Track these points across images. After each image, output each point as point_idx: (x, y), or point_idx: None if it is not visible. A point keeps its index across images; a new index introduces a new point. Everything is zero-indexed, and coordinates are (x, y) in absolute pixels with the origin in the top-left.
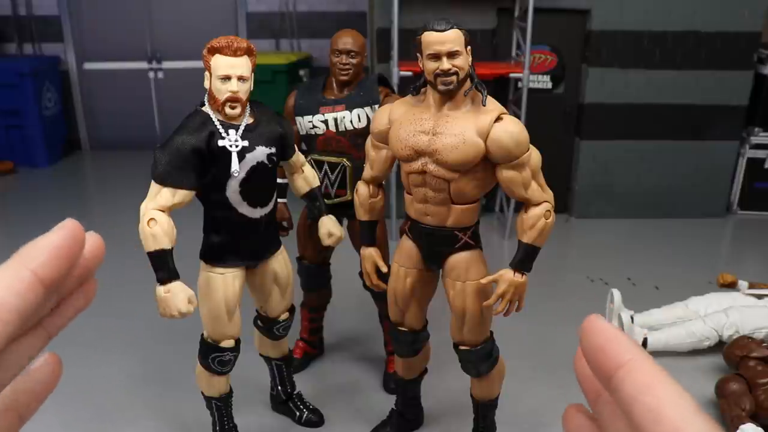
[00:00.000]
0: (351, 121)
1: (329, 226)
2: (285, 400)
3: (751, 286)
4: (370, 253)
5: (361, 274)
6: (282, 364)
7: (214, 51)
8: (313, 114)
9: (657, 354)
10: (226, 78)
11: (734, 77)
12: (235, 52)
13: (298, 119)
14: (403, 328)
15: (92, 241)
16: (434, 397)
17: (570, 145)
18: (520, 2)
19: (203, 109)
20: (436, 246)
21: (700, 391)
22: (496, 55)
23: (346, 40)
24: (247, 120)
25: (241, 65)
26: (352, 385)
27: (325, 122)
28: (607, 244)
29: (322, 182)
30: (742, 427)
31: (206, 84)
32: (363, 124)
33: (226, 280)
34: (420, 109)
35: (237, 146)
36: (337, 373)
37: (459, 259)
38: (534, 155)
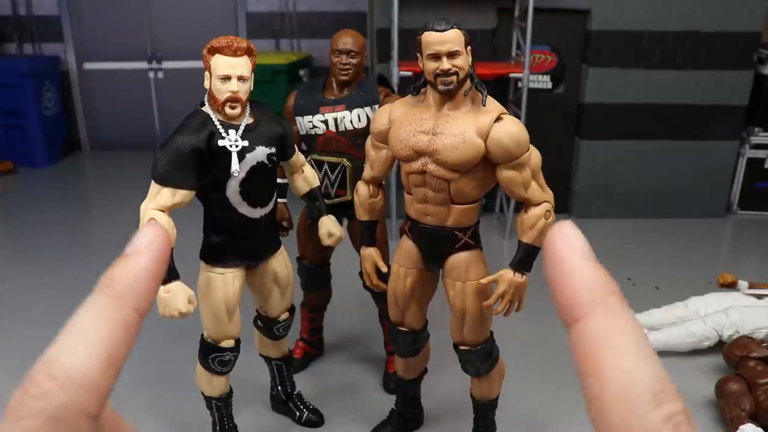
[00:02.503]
0: (351, 121)
1: (329, 226)
2: (285, 400)
3: (751, 286)
4: (370, 253)
5: (361, 274)
6: (282, 364)
7: (214, 51)
8: (313, 114)
9: (657, 354)
10: (226, 78)
11: (734, 77)
12: (235, 52)
13: (298, 119)
14: (403, 328)
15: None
16: (434, 397)
17: (570, 145)
18: (520, 2)
19: (203, 109)
20: (436, 246)
21: (700, 391)
22: (496, 55)
23: (346, 40)
24: (247, 120)
25: (241, 65)
26: (352, 385)
27: (325, 122)
28: (607, 244)
29: (322, 182)
30: (741, 427)
31: (206, 84)
32: (363, 124)
33: (226, 280)
34: (420, 109)
35: (237, 146)
36: (337, 373)
37: (459, 259)
38: (534, 155)
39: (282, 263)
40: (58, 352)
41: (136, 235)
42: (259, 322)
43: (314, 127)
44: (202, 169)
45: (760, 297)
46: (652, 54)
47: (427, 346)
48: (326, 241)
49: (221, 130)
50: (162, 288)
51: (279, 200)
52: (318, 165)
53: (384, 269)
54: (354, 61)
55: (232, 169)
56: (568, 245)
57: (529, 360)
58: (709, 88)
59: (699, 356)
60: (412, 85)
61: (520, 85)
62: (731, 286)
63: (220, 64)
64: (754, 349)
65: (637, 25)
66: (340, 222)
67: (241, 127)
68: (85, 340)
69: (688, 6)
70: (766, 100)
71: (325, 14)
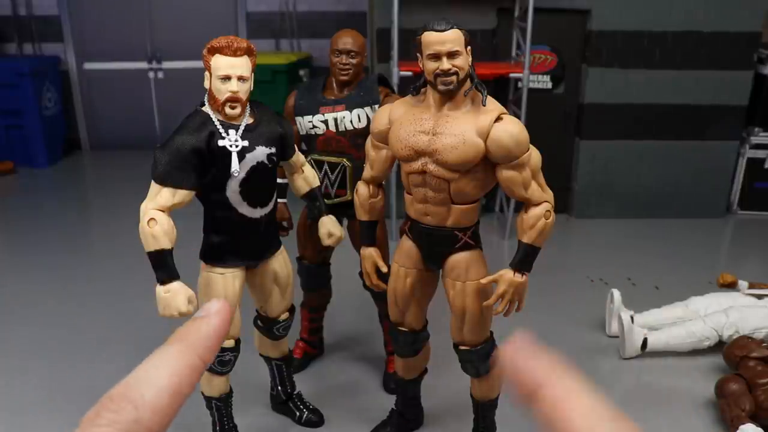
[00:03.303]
0: (351, 121)
1: (329, 226)
2: (285, 400)
3: (751, 286)
4: (370, 253)
5: (361, 274)
6: (282, 364)
7: (214, 51)
8: (313, 114)
9: (657, 354)
10: (226, 78)
11: (734, 77)
12: (235, 52)
13: (298, 119)
14: (403, 328)
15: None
16: (434, 397)
17: (570, 145)
18: (520, 2)
19: (203, 109)
20: (436, 246)
21: (700, 391)
22: (496, 55)
23: (346, 40)
24: (247, 120)
25: (241, 65)
26: (352, 385)
27: (325, 122)
28: (607, 244)
29: (322, 182)
30: (741, 427)
31: (206, 84)
32: (363, 124)
33: (226, 280)
34: (420, 109)
35: (237, 146)
36: (337, 373)
37: (459, 259)
38: (534, 155)
39: (282, 263)
40: (135, 380)
41: (208, 303)
42: (259, 322)
43: (314, 127)
44: (202, 169)
45: (760, 297)
46: (652, 54)
47: (427, 346)
48: (326, 241)
49: (221, 130)
50: (162, 288)
51: (279, 200)
52: (318, 165)
53: (384, 269)
54: (354, 61)
55: (232, 169)
56: (519, 350)
57: None
58: (709, 88)
59: (699, 356)
60: (412, 85)
61: (520, 85)
62: (731, 286)
63: (220, 64)
64: (754, 349)
65: (637, 25)
66: (340, 222)
67: (241, 127)
68: (159, 375)
69: (688, 6)
70: (766, 100)
71: (325, 14)
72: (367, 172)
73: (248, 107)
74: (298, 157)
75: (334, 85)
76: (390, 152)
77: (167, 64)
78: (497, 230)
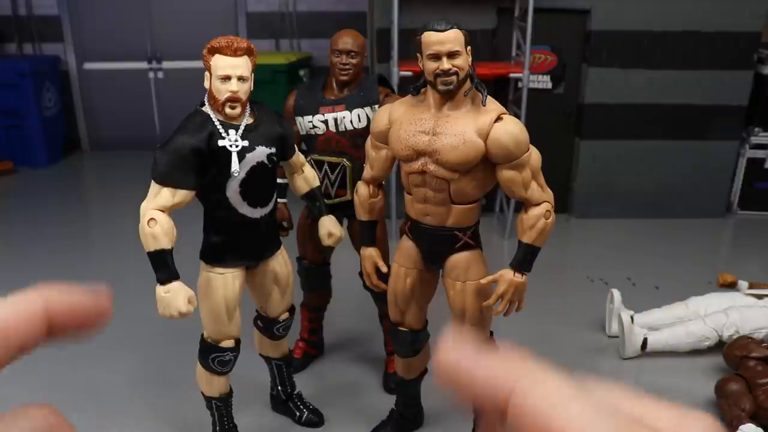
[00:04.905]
0: (351, 121)
1: (329, 226)
2: (285, 400)
3: (751, 286)
4: (370, 253)
5: (361, 274)
6: (282, 364)
7: (214, 51)
8: (313, 114)
9: (657, 354)
10: (226, 78)
11: (734, 77)
12: (235, 52)
13: (298, 119)
14: (403, 328)
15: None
16: (434, 397)
17: (570, 145)
18: (520, 2)
19: (203, 109)
20: (436, 246)
21: (700, 391)
22: (496, 55)
23: (346, 40)
24: (247, 120)
25: (241, 65)
26: (352, 385)
27: (325, 122)
28: (607, 244)
29: (322, 182)
30: (741, 427)
31: (206, 84)
32: (363, 124)
33: (226, 280)
34: (420, 109)
35: (237, 146)
36: (337, 373)
37: (459, 259)
38: (534, 155)
39: (282, 263)
40: None
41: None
42: (259, 322)
43: (314, 127)
44: (201, 169)
45: (760, 297)
46: (652, 54)
47: (427, 346)
48: (326, 241)
49: (221, 130)
50: (162, 288)
51: (279, 200)
52: (318, 165)
53: (384, 269)
54: (354, 61)
55: (232, 169)
56: (458, 354)
57: None
58: (709, 88)
59: (699, 356)
60: (412, 85)
61: (520, 85)
62: (731, 286)
63: (220, 64)
64: (754, 349)
65: (637, 25)
66: (340, 222)
67: (241, 127)
68: None
69: (688, 6)
70: (766, 100)
71: (325, 14)
72: (367, 172)
73: (248, 107)
74: (299, 157)
75: (334, 85)
76: (390, 152)
77: (167, 64)
78: (497, 230)
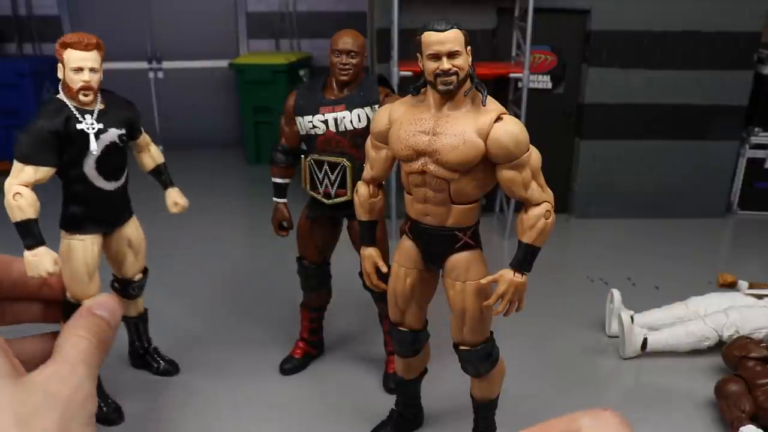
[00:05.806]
0: (351, 121)
1: (175, 197)
2: (142, 354)
3: (751, 286)
4: (370, 253)
5: (361, 274)
6: (138, 322)
7: (66, 46)
8: (313, 114)
9: (657, 354)
10: (79, 69)
11: (734, 77)
12: (86, 47)
13: (298, 119)
14: (403, 328)
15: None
16: (434, 397)
17: (570, 145)
18: (520, 2)
19: (58, 97)
20: (436, 246)
21: (700, 391)
22: (496, 55)
23: (346, 40)
24: (99, 106)
25: (92, 58)
26: (352, 385)
27: (325, 122)
28: (607, 244)
29: (322, 182)
30: (741, 428)
31: (59, 75)
32: (363, 124)
33: (86, 245)
34: (420, 109)
35: (94, 128)
36: (337, 373)
37: (459, 259)
38: (534, 155)
39: (134, 229)
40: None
41: (100, 299)
42: (115, 284)
43: (314, 127)
44: (60, 149)
45: (760, 297)
46: (652, 54)
47: (427, 346)
48: (172, 209)
49: (77, 115)
50: (29, 252)
51: (279, 200)
52: (318, 165)
53: (384, 269)
54: (354, 61)
55: (91, 148)
56: None
57: (529, 360)
58: (709, 88)
59: (699, 356)
60: (412, 85)
61: (520, 85)
62: (731, 286)
63: (73, 57)
64: (753, 350)
65: (637, 25)
66: (340, 222)
67: (95, 112)
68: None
69: (688, 6)
70: (766, 100)
71: (325, 14)
72: (367, 172)
73: (99, 95)
74: (145, 137)
75: (334, 85)
76: (390, 152)
77: (167, 64)
78: (497, 230)
